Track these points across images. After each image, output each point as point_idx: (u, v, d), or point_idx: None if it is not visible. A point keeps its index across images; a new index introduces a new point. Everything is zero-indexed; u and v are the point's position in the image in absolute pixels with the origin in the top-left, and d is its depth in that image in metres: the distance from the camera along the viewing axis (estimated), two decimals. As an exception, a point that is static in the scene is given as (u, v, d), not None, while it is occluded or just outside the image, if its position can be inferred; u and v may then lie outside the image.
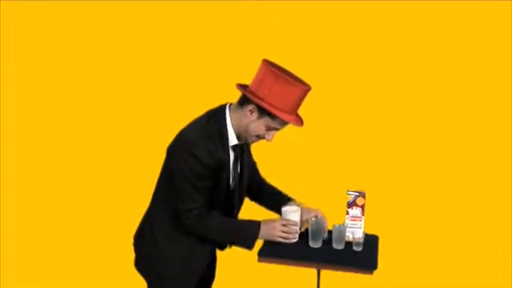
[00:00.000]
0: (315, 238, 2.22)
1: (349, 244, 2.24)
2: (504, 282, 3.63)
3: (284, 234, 2.15)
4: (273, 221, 2.18)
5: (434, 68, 4.08)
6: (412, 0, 3.99)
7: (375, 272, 2.10)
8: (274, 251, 2.18)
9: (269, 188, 2.44)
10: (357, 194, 2.26)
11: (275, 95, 1.95)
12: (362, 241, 2.23)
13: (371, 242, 2.29)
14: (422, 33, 4.04)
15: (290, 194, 2.40)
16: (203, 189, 2.06)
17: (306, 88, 2.00)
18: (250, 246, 2.14)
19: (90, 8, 4.04)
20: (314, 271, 2.25)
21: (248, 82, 2.09)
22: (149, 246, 2.23)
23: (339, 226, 2.22)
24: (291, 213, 2.21)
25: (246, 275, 3.41)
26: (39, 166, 4.11)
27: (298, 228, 2.21)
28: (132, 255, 2.33)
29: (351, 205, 2.26)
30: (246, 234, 2.13)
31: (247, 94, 2.00)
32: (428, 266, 3.76)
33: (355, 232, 2.25)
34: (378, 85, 4.12)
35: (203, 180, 2.04)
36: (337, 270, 2.13)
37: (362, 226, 2.25)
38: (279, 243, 2.18)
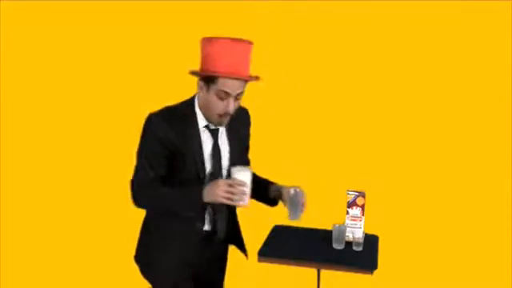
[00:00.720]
0: (293, 209, 2.10)
1: (349, 244, 2.24)
2: (504, 281, 3.63)
3: (228, 195, 1.92)
4: (217, 180, 1.99)
5: (434, 68, 4.08)
6: (412, 0, 3.99)
7: (375, 272, 2.10)
8: (274, 251, 2.17)
9: (257, 180, 2.29)
10: (357, 193, 2.26)
11: (213, 60, 1.95)
12: (361, 241, 2.23)
13: (371, 241, 2.30)
14: (422, 33, 4.04)
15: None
16: (157, 165, 2.03)
17: (243, 44, 1.96)
18: (195, 211, 2.02)
19: (88, 8, 4.04)
20: (314, 271, 2.25)
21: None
22: (143, 244, 2.24)
23: (339, 226, 2.22)
24: (238, 172, 1.97)
25: (246, 275, 3.41)
26: (40, 166, 4.11)
27: (246, 189, 1.95)
28: (131, 256, 2.33)
29: (351, 205, 2.26)
30: (189, 199, 1.99)
31: (191, 71, 2.03)
32: (428, 266, 3.76)
33: (355, 232, 2.25)
34: (378, 85, 4.12)
35: (158, 156, 2.03)
36: (337, 269, 2.12)
37: (362, 226, 2.26)
38: (279, 242, 2.16)
